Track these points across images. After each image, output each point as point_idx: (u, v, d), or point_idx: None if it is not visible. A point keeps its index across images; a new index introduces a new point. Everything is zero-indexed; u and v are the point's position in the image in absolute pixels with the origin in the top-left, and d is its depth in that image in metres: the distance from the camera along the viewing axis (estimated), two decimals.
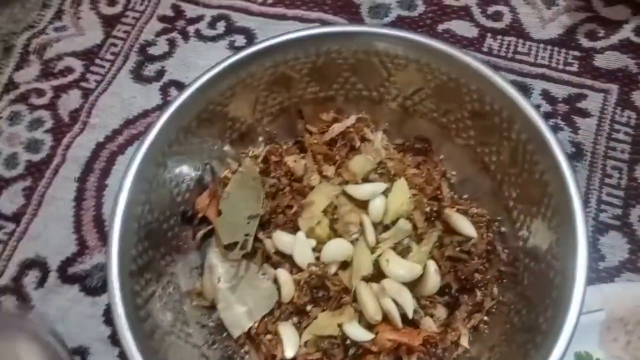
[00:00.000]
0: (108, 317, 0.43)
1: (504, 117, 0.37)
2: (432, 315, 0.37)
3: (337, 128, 0.42)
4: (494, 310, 0.37)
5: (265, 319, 0.37)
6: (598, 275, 0.43)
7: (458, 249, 0.38)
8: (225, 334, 0.38)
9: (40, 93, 0.53)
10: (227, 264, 0.39)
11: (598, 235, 0.44)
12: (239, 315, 0.38)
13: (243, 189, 0.40)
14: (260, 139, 0.44)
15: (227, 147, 0.42)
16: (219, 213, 0.39)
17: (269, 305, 0.37)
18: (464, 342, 0.36)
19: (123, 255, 0.33)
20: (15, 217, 0.47)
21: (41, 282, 0.45)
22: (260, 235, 0.39)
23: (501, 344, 0.35)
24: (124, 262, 0.33)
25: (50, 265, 0.45)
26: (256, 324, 0.37)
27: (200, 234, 0.41)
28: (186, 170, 0.40)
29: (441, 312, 0.37)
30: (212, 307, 0.38)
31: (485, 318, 0.37)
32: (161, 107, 0.51)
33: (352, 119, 0.43)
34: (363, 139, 0.42)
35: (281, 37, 0.40)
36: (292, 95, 0.43)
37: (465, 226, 0.38)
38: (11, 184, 0.49)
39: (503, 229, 0.39)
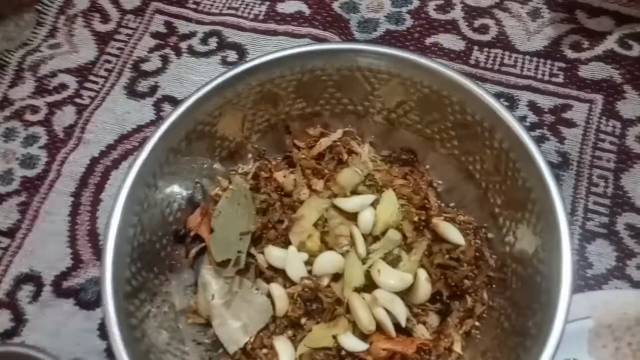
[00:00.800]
0: (103, 330, 0.43)
1: (485, 127, 0.38)
2: (424, 323, 0.37)
3: (324, 142, 0.43)
4: (484, 315, 0.38)
5: (261, 334, 0.37)
6: (586, 283, 0.43)
7: (447, 256, 0.38)
8: (221, 350, 0.38)
9: (34, 110, 0.54)
10: (221, 281, 0.39)
11: (585, 243, 0.45)
12: (234, 331, 0.38)
13: (234, 206, 0.41)
14: (250, 155, 0.45)
15: (217, 165, 0.43)
16: (211, 231, 0.40)
17: (264, 320, 0.38)
18: (457, 348, 0.36)
19: (117, 278, 0.34)
20: (11, 232, 0.48)
21: (35, 297, 0.45)
22: (253, 250, 0.39)
23: (493, 348, 0.35)
24: (118, 285, 0.34)
25: (44, 279, 0.45)
26: (252, 339, 0.37)
27: (193, 252, 0.41)
28: (177, 190, 0.41)
29: (433, 319, 0.38)
30: (208, 324, 0.39)
31: (477, 323, 0.38)
32: (155, 123, 0.52)
33: (338, 133, 0.44)
34: (350, 152, 0.43)
35: (266, 56, 0.41)
36: (279, 112, 0.44)
37: (453, 234, 0.39)
38: (6, 199, 0.49)
39: (490, 235, 0.39)
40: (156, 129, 0.38)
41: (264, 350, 0.37)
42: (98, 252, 0.46)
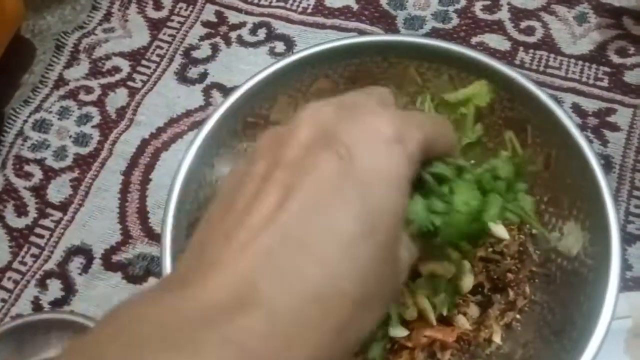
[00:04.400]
0: None
1: (534, 123, 0.39)
2: (465, 314, 0.38)
3: None
4: (526, 308, 0.38)
5: None
6: (625, 284, 0.44)
7: (491, 249, 0.39)
8: None
9: (88, 90, 0.56)
10: None
11: (626, 245, 0.45)
12: None
13: None
14: None
15: None
16: None
17: None
18: (497, 339, 0.37)
19: (175, 250, 0.35)
20: (63, 206, 0.50)
21: (85, 269, 0.47)
22: None
23: (534, 341, 0.36)
24: (176, 257, 0.35)
25: (94, 252, 0.47)
26: None
27: None
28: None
29: (474, 310, 0.39)
30: None
31: (518, 316, 0.38)
32: (204, 108, 0.54)
33: None
34: None
35: (322, 45, 0.41)
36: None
37: (497, 228, 0.40)
38: (60, 175, 0.51)
39: (534, 230, 0.40)
40: (215, 110, 0.39)
41: None
42: (147, 229, 0.48)
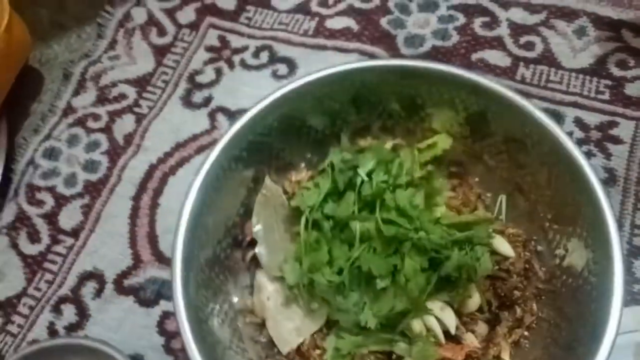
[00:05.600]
0: (162, 327, 0.46)
1: (535, 141, 0.40)
2: (473, 331, 0.39)
3: None
4: (534, 325, 0.39)
5: (315, 335, 0.39)
6: (632, 298, 0.44)
7: (497, 267, 0.40)
8: (276, 350, 0.40)
9: (96, 117, 0.57)
10: (277, 283, 0.41)
11: (632, 258, 0.45)
12: (288, 332, 0.40)
13: (271, 212, 0.43)
14: (303, 165, 0.47)
15: (272, 174, 0.45)
16: (253, 242, 0.42)
17: (317, 324, 0.40)
18: (506, 356, 0.37)
19: (186, 274, 0.36)
20: (74, 232, 0.51)
21: (98, 293, 0.48)
22: None
23: (542, 357, 0.36)
24: (186, 280, 0.36)
25: (107, 277, 0.48)
26: (306, 340, 0.39)
27: (249, 255, 0.43)
28: (236, 196, 0.43)
29: (482, 328, 0.39)
30: (263, 324, 0.41)
31: (526, 333, 0.39)
32: (209, 132, 0.55)
33: (389, 145, 0.46)
34: None
35: (324, 71, 0.42)
36: (333, 124, 0.45)
37: (502, 246, 0.40)
38: (70, 202, 0.52)
39: (540, 247, 0.40)
40: (221, 137, 0.40)
41: (317, 352, 0.39)
42: (157, 253, 0.49)
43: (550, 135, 0.37)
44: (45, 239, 0.51)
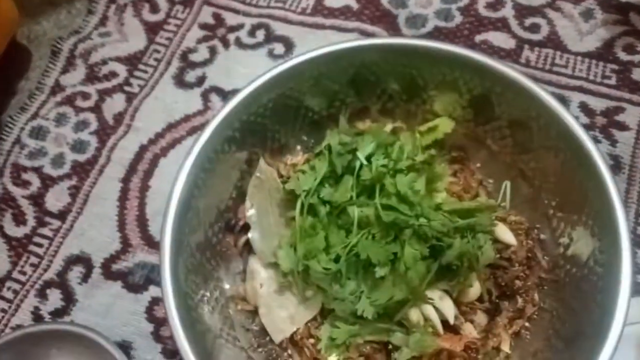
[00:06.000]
0: (151, 313, 0.44)
1: (541, 125, 0.38)
2: (472, 322, 0.37)
3: None
4: (535, 316, 0.37)
5: (309, 324, 0.38)
6: (637, 289, 0.42)
7: (498, 256, 0.38)
8: (268, 338, 0.38)
9: (85, 96, 0.55)
10: (270, 270, 0.40)
11: (637, 249, 0.44)
12: (281, 320, 0.39)
13: (266, 196, 0.41)
14: (299, 147, 0.45)
15: (266, 157, 0.44)
16: (247, 226, 0.40)
17: (311, 312, 0.38)
18: (505, 347, 0.36)
19: (175, 258, 0.34)
20: (61, 215, 0.49)
21: (85, 278, 0.46)
22: None
23: (544, 349, 0.35)
24: (176, 265, 0.34)
25: (94, 261, 0.47)
26: (299, 329, 0.38)
27: (242, 241, 0.42)
28: (229, 179, 0.41)
29: (481, 318, 0.38)
30: (255, 312, 0.39)
31: (527, 324, 0.37)
32: (202, 113, 0.53)
33: (388, 128, 0.44)
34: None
35: (322, 49, 0.40)
36: (330, 106, 0.44)
37: (504, 234, 0.39)
38: (58, 183, 0.50)
39: (543, 236, 0.39)
40: (214, 117, 0.38)
41: (311, 340, 0.38)
42: (146, 237, 0.47)
43: (558, 119, 0.36)
44: (31, 221, 0.49)
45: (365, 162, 0.37)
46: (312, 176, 0.38)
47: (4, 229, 0.49)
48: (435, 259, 0.34)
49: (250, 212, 0.41)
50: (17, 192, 0.50)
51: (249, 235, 0.40)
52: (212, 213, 0.40)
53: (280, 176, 0.42)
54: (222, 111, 0.39)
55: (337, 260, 0.35)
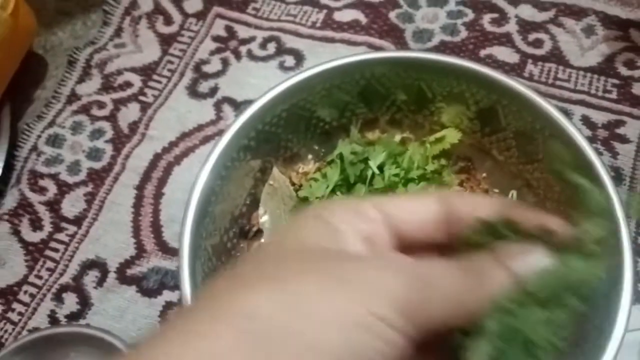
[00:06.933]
0: (164, 317, 0.45)
1: (546, 136, 0.39)
2: None
3: None
4: None
5: None
6: (638, 296, 0.44)
7: None
8: None
9: (101, 105, 0.56)
10: None
11: (638, 257, 0.45)
12: None
13: (279, 204, 0.42)
14: (310, 156, 0.47)
15: (279, 165, 0.45)
16: (259, 231, 0.41)
17: None
18: None
19: (192, 263, 0.36)
20: (77, 221, 0.50)
21: (100, 282, 0.47)
22: None
23: None
24: (193, 269, 0.35)
25: (109, 266, 0.48)
26: None
27: (255, 246, 0.43)
28: (244, 186, 0.43)
29: None
30: None
31: None
32: (215, 122, 0.54)
33: (397, 139, 0.46)
34: None
35: (333, 62, 0.42)
36: (342, 116, 0.45)
37: None
38: (73, 189, 0.52)
39: None
40: (230, 126, 0.40)
41: None
42: (160, 243, 0.48)
43: (562, 131, 0.37)
44: (48, 227, 0.50)
45: (377, 172, 0.38)
46: (324, 184, 0.40)
47: (21, 234, 0.50)
48: None
49: (263, 218, 0.42)
50: (34, 198, 0.52)
51: (262, 240, 0.42)
52: (227, 219, 0.41)
53: (293, 184, 0.44)
54: (239, 120, 0.40)
55: None
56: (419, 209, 0.23)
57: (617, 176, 0.48)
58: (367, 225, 0.22)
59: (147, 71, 0.58)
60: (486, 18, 0.57)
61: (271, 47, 0.58)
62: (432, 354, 0.21)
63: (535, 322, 0.20)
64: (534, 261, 0.20)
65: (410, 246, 0.22)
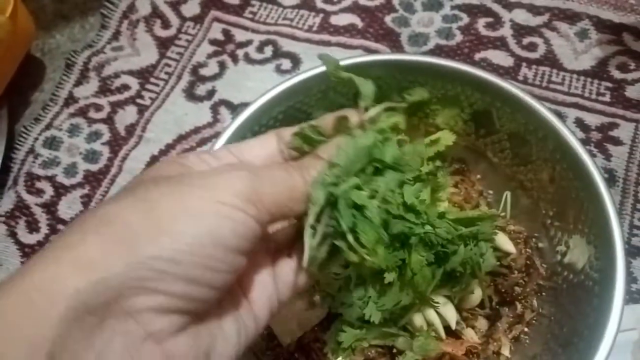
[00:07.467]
0: None
1: (539, 138, 0.40)
2: (473, 327, 0.39)
3: None
4: (534, 322, 0.39)
5: (316, 328, 0.39)
6: (631, 297, 0.44)
7: (498, 263, 0.40)
8: (276, 341, 0.40)
9: (98, 108, 0.57)
10: None
11: (630, 258, 0.45)
12: (289, 324, 0.40)
13: None
14: None
15: None
16: None
17: (318, 317, 0.39)
18: (505, 351, 0.38)
19: None
20: None
21: None
22: None
23: (542, 353, 0.36)
24: None
25: None
26: (307, 333, 0.39)
27: None
28: None
29: (482, 323, 0.39)
30: None
31: (526, 329, 0.39)
32: (212, 125, 0.54)
33: None
34: None
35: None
36: None
37: (504, 242, 0.40)
38: (70, 191, 0.52)
39: (541, 244, 0.41)
40: (227, 127, 0.40)
41: (318, 344, 0.39)
42: None
43: (555, 133, 0.38)
44: (44, 229, 0.51)
45: None
46: None
47: (18, 235, 0.50)
48: (439, 266, 0.36)
49: None
50: (30, 200, 0.52)
51: None
52: None
53: None
54: (235, 122, 0.40)
55: (346, 265, 0.37)
56: (264, 145, 0.29)
57: (611, 178, 0.49)
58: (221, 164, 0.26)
59: (144, 74, 0.58)
60: (481, 22, 0.57)
61: (268, 51, 0.58)
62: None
63: (351, 187, 0.27)
64: (335, 145, 0.28)
65: None
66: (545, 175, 0.40)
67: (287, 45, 0.58)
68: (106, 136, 0.55)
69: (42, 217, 0.51)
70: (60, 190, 0.52)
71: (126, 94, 0.57)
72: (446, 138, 0.43)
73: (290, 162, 0.27)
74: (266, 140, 0.29)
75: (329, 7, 0.60)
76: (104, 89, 0.58)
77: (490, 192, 0.44)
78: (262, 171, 0.25)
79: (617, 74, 0.53)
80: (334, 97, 0.44)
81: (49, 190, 0.52)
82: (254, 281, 0.26)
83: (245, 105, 0.42)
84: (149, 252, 0.20)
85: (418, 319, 0.38)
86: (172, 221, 0.21)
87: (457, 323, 0.38)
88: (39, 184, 0.53)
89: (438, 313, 0.38)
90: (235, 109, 0.55)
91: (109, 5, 0.63)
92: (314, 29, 0.59)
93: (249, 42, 0.59)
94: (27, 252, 0.50)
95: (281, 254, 0.28)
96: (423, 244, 0.35)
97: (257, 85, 0.56)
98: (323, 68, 0.42)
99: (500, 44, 0.56)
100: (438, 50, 0.56)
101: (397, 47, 0.57)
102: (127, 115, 0.56)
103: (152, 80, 0.58)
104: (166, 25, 0.61)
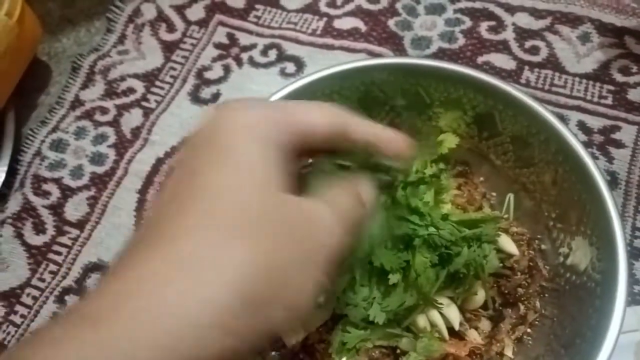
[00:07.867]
0: None
1: (542, 140, 0.40)
2: (477, 328, 0.39)
3: None
4: (537, 323, 0.39)
5: (320, 329, 0.39)
6: (633, 299, 0.44)
7: (501, 265, 0.40)
8: (281, 343, 0.40)
9: (104, 111, 0.57)
10: None
11: (633, 260, 0.46)
12: (294, 325, 0.40)
13: None
14: (310, 161, 0.47)
15: None
16: None
17: (322, 318, 0.40)
18: (509, 352, 0.38)
19: None
20: (80, 224, 0.51)
21: None
22: None
23: (545, 354, 0.37)
24: None
25: None
26: (311, 334, 0.39)
27: None
28: None
29: (485, 324, 0.39)
30: None
31: (529, 330, 0.39)
32: None
33: None
34: None
35: (334, 68, 0.43)
36: None
37: (507, 244, 0.41)
38: (76, 193, 0.53)
39: (544, 246, 0.41)
40: None
41: (323, 345, 0.39)
42: None
43: (558, 135, 0.38)
44: (51, 230, 0.51)
45: None
46: None
47: (25, 237, 0.51)
48: (443, 267, 0.36)
49: None
50: (37, 202, 0.52)
51: None
52: None
53: None
54: None
55: (351, 267, 0.37)
56: (324, 120, 0.28)
57: (613, 180, 0.49)
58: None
59: (149, 77, 0.59)
60: (483, 26, 0.58)
61: (272, 54, 0.59)
62: None
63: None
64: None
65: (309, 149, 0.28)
66: (547, 177, 0.40)
67: (291, 48, 0.59)
68: (112, 139, 0.55)
69: (48, 219, 0.52)
70: (67, 192, 0.53)
71: (132, 97, 0.58)
72: (449, 141, 0.44)
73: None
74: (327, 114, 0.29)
75: (332, 11, 0.60)
76: (110, 92, 0.58)
77: (493, 194, 0.45)
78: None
79: (619, 77, 0.54)
80: (338, 100, 0.45)
81: (56, 192, 0.53)
82: None
83: None
84: None
85: (422, 320, 0.38)
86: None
87: (461, 324, 0.38)
88: (46, 186, 0.53)
89: (441, 314, 0.38)
90: None
91: (115, 9, 0.63)
92: (318, 32, 0.59)
93: (253, 46, 0.60)
94: (34, 253, 0.50)
95: None
96: (427, 245, 0.35)
97: (262, 89, 0.56)
98: (327, 71, 0.43)
99: (502, 47, 0.56)
100: (441, 54, 0.57)
101: (400, 50, 0.57)
102: (132, 118, 0.56)
103: (158, 83, 0.58)
104: (171, 29, 0.62)
